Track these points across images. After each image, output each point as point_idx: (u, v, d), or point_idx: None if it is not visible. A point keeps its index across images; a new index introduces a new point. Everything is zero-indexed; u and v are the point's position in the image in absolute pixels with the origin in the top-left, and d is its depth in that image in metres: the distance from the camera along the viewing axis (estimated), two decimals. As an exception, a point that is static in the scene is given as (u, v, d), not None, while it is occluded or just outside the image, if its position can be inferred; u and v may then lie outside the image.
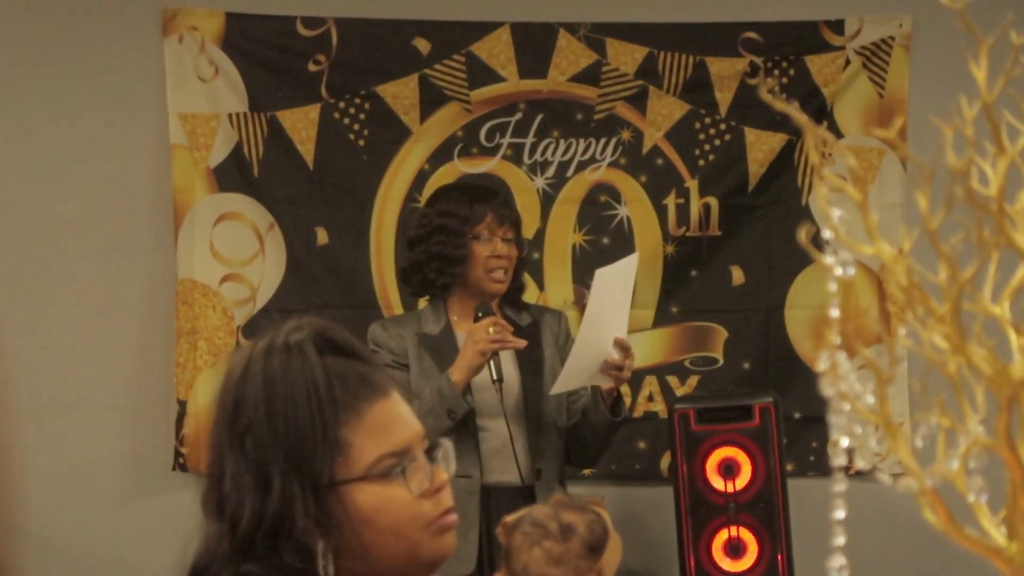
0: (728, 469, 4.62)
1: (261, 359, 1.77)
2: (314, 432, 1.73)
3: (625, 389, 5.15)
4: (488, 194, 4.32)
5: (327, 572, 1.73)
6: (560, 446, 4.24)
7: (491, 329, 4.03)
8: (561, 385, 4.13)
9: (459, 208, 4.20)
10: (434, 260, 4.20)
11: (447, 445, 1.84)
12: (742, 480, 4.63)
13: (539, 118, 5.25)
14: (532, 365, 4.22)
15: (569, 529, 2.54)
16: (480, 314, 4.12)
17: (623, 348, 4.16)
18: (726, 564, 4.63)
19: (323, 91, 5.19)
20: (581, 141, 5.25)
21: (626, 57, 5.25)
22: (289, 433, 1.73)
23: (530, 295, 5.16)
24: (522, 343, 4.09)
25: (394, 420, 1.79)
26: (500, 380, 4.05)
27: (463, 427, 4.05)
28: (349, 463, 1.75)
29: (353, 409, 1.76)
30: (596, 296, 4.18)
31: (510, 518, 2.52)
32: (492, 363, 4.06)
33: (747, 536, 4.63)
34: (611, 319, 4.19)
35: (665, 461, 5.15)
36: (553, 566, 2.50)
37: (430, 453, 1.81)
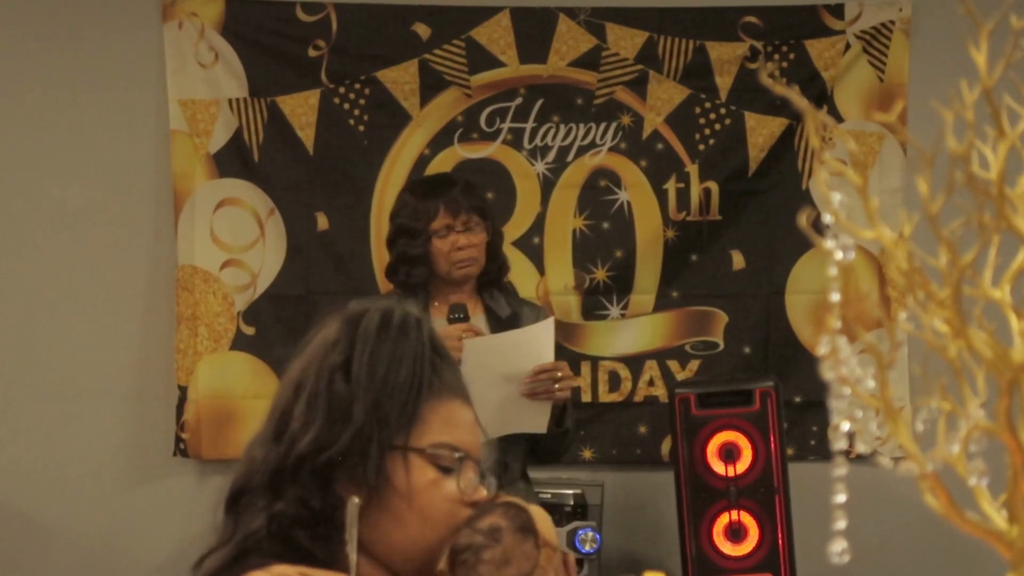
0: (729, 453, 4.63)
1: (379, 319, 1.83)
2: (407, 396, 1.79)
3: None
4: (441, 186, 4.25)
5: (351, 531, 1.75)
6: (525, 441, 4.16)
7: (462, 335, 3.99)
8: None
9: (413, 207, 4.17)
10: (401, 262, 4.19)
11: (492, 480, 1.91)
12: (743, 464, 4.64)
13: (539, 103, 5.25)
14: None
15: (494, 529, 2.54)
16: (453, 315, 4.07)
17: (544, 371, 4.01)
18: (727, 548, 4.63)
19: (323, 76, 5.18)
20: (581, 126, 5.25)
21: (626, 42, 5.25)
22: (387, 385, 1.79)
23: (530, 280, 5.16)
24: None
25: (465, 422, 1.86)
26: None
27: None
28: (416, 436, 1.80)
29: (437, 394, 1.83)
30: (475, 367, 3.95)
31: (442, 563, 2.52)
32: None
33: (748, 520, 4.63)
34: (511, 366, 4.02)
35: (666, 445, 5.15)
36: (504, 569, 2.50)
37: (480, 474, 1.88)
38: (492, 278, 4.26)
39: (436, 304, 4.18)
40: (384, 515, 1.78)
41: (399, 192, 4.44)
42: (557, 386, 4.04)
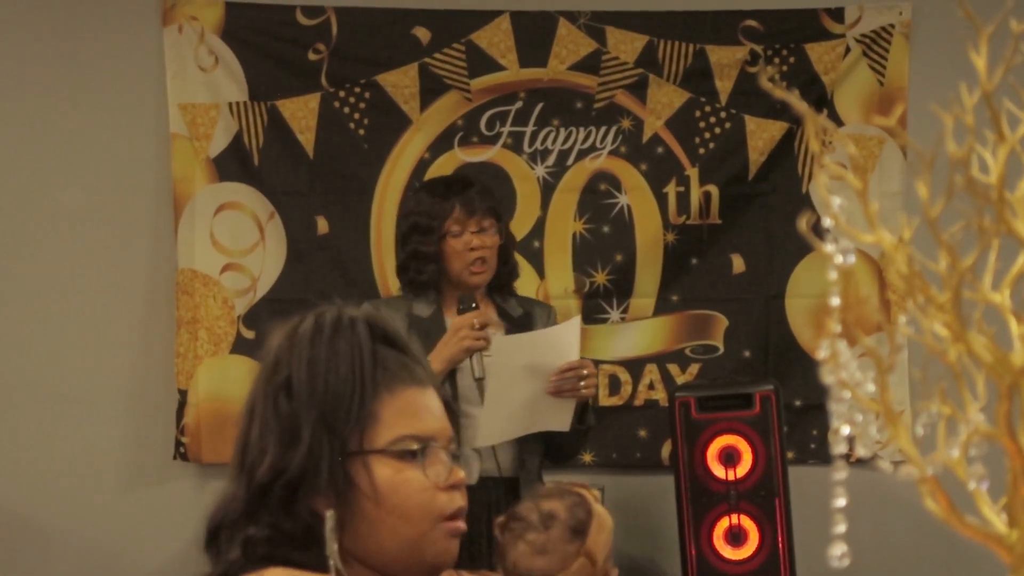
0: (729, 457, 4.63)
1: (312, 326, 1.81)
2: (351, 399, 1.77)
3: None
4: (458, 186, 4.27)
5: (331, 545, 1.74)
6: (541, 440, 4.19)
7: (475, 322, 4.01)
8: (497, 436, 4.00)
9: (429, 205, 4.20)
10: (413, 259, 4.21)
11: (470, 454, 1.88)
12: (743, 468, 4.64)
13: (539, 107, 5.25)
14: None
15: (550, 517, 2.53)
16: (463, 305, 4.10)
17: (571, 368, 4.05)
18: (727, 552, 4.63)
19: (323, 80, 5.18)
20: (581, 130, 5.25)
21: (626, 45, 5.25)
22: (328, 393, 1.77)
23: (530, 283, 5.16)
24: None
25: (424, 409, 1.83)
26: (482, 378, 4.01)
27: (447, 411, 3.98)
28: (373, 435, 1.78)
29: (387, 388, 1.80)
30: (507, 361, 4.05)
31: (501, 517, 2.51)
32: (474, 359, 4.02)
33: (748, 524, 4.63)
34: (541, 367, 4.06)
35: (666, 449, 5.15)
36: (538, 557, 2.49)
37: (453, 455, 1.85)
38: (503, 281, 4.29)
39: (447, 303, 4.20)
40: (361, 522, 1.77)
41: (415, 191, 4.45)
42: (582, 384, 4.06)
